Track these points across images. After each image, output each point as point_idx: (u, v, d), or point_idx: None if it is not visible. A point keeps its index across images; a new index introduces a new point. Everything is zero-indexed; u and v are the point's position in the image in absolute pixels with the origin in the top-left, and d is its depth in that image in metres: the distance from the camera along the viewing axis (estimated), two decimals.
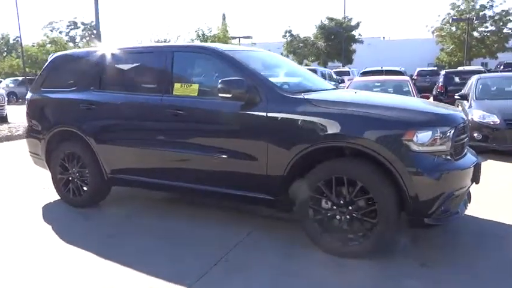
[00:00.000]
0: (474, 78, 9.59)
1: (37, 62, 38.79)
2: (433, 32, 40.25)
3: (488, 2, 36.45)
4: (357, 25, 36.37)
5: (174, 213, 4.87)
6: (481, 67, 24.86)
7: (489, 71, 24.18)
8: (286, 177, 3.75)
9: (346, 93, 4.91)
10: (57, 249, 3.96)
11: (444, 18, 38.93)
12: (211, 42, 33.96)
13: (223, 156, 4.03)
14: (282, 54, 38.90)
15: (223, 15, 49.69)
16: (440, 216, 3.39)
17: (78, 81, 5.13)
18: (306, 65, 37.64)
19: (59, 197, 5.41)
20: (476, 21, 34.45)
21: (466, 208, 3.83)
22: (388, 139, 3.35)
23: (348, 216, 3.54)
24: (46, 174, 6.36)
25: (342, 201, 3.55)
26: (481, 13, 35.81)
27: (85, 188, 5.09)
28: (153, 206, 5.20)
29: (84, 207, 5.10)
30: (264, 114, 3.81)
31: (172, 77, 4.46)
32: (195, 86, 4.33)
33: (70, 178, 5.19)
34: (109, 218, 4.81)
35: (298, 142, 3.64)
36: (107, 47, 5.08)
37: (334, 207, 3.59)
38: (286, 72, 5.00)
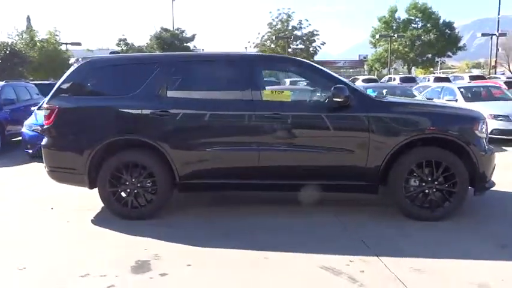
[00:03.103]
0: None
1: None
2: (255, 47, 44.83)
3: (298, 24, 42.81)
4: (193, 37, 37.98)
5: (268, 211, 5.14)
6: None
7: None
8: (382, 165, 4.70)
9: (409, 98, 6.11)
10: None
11: (263, 36, 43.85)
12: (40, 47, 30.51)
13: (328, 152, 4.71)
14: None
15: (28, 17, 44.93)
16: (490, 183, 4.88)
17: (135, 88, 4.91)
18: None
19: (68, 217, 5.09)
20: (291, 39, 40.17)
21: None
22: (465, 130, 4.69)
23: (434, 190, 4.72)
24: (48, 192, 5.82)
25: (430, 178, 4.70)
26: (293, 33, 41.86)
27: (151, 198, 4.90)
28: (230, 207, 5.32)
29: (143, 219, 4.90)
30: (365, 114, 4.68)
31: (261, 83, 4.87)
32: (288, 92, 4.86)
33: (128, 190, 4.90)
34: (197, 226, 4.82)
35: (397, 136, 4.64)
36: (173, 53, 5.04)
37: (423, 184, 4.72)
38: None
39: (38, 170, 6.98)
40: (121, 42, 35.92)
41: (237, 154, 4.82)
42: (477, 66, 66.14)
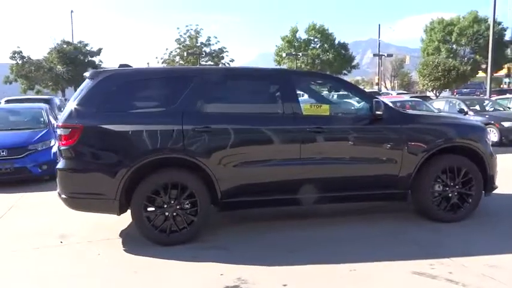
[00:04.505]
0: None
1: None
2: (163, 63, 43.88)
3: (206, 41, 42.99)
4: (99, 51, 35.79)
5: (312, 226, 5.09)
6: None
7: None
8: (414, 173, 5.04)
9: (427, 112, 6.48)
10: None
11: (171, 52, 43.18)
12: None
13: (368, 163, 4.93)
14: (9, 78, 33.74)
15: None
16: (495, 184, 5.49)
17: (171, 103, 4.61)
18: (39, 91, 34.09)
19: (93, 250, 4.65)
20: (202, 56, 40.16)
21: None
22: (480, 138, 5.26)
23: (455, 193, 5.18)
24: (31, 224, 5.40)
25: (452, 183, 5.15)
26: (202, 49, 41.94)
27: (192, 220, 4.58)
28: (260, 223, 5.17)
29: (183, 243, 4.58)
30: (398, 126, 4.99)
31: (297, 98, 4.91)
32: (326, 106, 4.97)
33: (166, 213, 4.54)
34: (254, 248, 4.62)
35: (427, 145, 5.02)
36: (210, 67, 4.83)
37: (447, 189, 5.15)
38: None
39: None
40: (16, 55, 32.52)
41: (280, 169, 4.77)
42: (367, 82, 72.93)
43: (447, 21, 48.50)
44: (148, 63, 64.59)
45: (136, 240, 4.67)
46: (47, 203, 6.55)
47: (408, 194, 5.13)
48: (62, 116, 4.65)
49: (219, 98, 4.84)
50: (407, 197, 5.16)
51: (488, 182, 5.31)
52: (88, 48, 36.04)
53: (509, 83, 47.85)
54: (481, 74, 46.39)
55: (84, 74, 4.86)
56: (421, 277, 3.65)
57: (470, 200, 5.19)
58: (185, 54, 39.72)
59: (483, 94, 31.16)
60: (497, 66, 43.38)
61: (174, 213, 4.55)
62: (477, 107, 14.51)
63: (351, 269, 3.85)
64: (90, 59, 35.72)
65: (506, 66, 45.86)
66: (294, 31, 49.96)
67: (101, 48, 36.01)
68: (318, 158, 4.84)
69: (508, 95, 18.13)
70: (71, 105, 4.61)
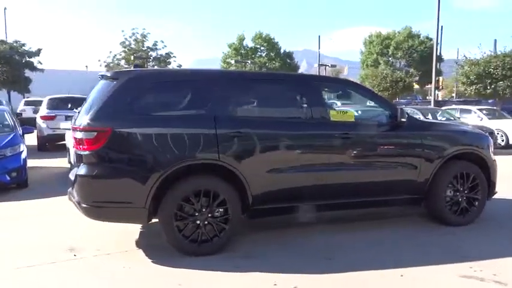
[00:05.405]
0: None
1: None
2: (106, 66, 42.13)
3: (153, 45, 41.98)
4: (38, 51, 33.48)
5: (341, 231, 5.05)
6: None
7: None
8: (430, 178, 5.22)
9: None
10: None
11: (115, 56, 41.63)
12: None
13: (393, 169, 5.04)
14: None
15: None
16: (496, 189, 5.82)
17: (201, 106, 4.42)
18: None
19: (116, 262, 4.36)
20: (150, 60, 39.15)
21: None
22: (486, 145, 5.56)
23: (464, 198, 5.43)
24: (30, 236, 4.98)
25: (462, 188, 5.40)
26: (149, 54, 40.90)
27: (223, 228, 4.38)
28: (282, 230, 5.04)
29: (213, 253, 4.38)
30: (418, 133, 5.16)
31: (326, 104, 4.92)
32: (351, 112, 5.02)
33: (197, 222, 4.31)
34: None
35: (443, 151, 5.22)
36: (240, 70, 4.68)
37: (457, 193, 5.39)
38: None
39: None
40: None
41: (309, 175, 4.72)
42: None
43: (384, 35, 51.35)
44: (87, 66, 61.96)
45: (159, 251, 4.41)
46: (28, 214, 6.00)
47: (423, 199, 5.30)
48: (81, 118, 4.26)
49: (251, 103, 4.74)
50: (422, 202, 5.33)
51: (491, 187, 5.63)
52: (26, 48, 33.69)
53: (437, 94, 51.81)
54: (415, 85, 49.53)
55: (103, 73, 4.51)
56: (470, 280, 3.76)
57: (476, 204, 5.48)
58: (132, 58, 38.42)
59: (419, 104, 33.44)
60: (428, 79, 46.79)
61: (206, 222, 4.34)
62: (430, 117, 15.44)
63: (399, 274, 3.87)
64: (28, 59, 33.40)
65: (436, 79, 49.43)
66: (241, 39, 50.31)
67: (41, 49, 33.81)
68: (345, 164, 4.87)
69: (454, 106, 19.46)
70: (92, 107, 4.25)
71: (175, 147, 4.23)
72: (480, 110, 16.87)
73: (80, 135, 4.18)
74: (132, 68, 4.80)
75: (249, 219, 4.72)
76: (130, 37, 41.37)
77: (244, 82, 4.77)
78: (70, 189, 4.75)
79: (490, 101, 24.83)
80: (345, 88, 5.67)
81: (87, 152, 4.13)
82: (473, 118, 16.35)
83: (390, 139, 5.10)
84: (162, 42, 42.85)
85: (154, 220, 4.42)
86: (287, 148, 4.67)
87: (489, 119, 16.06)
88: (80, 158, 4.25)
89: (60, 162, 10.99)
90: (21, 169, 7.86)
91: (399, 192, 5.17)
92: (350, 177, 4.90)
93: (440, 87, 29.48)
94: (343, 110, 5.21)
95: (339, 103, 9.05)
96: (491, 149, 5.71)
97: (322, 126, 4.78)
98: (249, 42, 50.82)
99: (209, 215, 4.34)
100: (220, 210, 4.39)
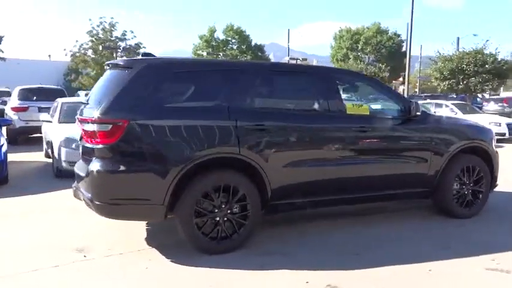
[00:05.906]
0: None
1: None
2: (71, 56, 40.61)
3: (122, 35, 40.72)
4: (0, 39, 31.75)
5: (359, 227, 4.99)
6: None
7: None
8: (440, 171, 5.25)
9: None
10: None
11: (81, 45, 40.16)
12: None
13: (407, 162, 5.04)
14: None
15: None
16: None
17: (221, 98, 4.24)
18: None
19: (134, 263, 4.16)
20: (120, 50, 38.05)
21: None
22: (490, 139, 5.66)
23: (470, 191, 5.51)
24: (51, 236, 4.73)
25: (467, 181, 5.47)
26: (117, 44, 39.69)
27: (242, 224, 4.24)
28: (300, 225, 4.93)
29: (232, 251, 4.23)
30: (430, 126, 5.18)
31: (341, 96, 4.84)
32: (366, 106, 4.96)
33: (217, 218, 4.14)
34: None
35: (452, 144, 5.26)
36: (259, 61, 4.52)
37: (463, 186, 5.46)
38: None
39: None
40: None
41: (328, 169, 4.64)
42: None
43: (354, 31, 52.07)
44: (49, 56, 59.59)
45: (174, 249, 4.23)
46: (18, 213, 5.63)
47: (432, 192, 5.33)
48: (92, 110, 3.98)
49: (271, 95, 4.59)
50: (429, 194, 5.36)
51: (493, 180, 5.75)
52: None
53: (403, 90, 53.29)
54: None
55: (112, 62, 4.23)
56: (496, 272, 3.79)
57: (480, 197, 5.57)
58: (100, 48, 37.16)
59: None
60: (396, 74, 47.88)
61: (225, 218, 4.17)
62: None
63: (426, 269, 3.85)
64: None
65: (402, 74, 50.69)
66: (212, 31, 49.69)
67: (2, 37, 32.07)
68: (361, 158, 4.83)
69: (428, 100, 19.97)
70: (104, 98, 3.98)
71: (195, 140, 4.02)
72: (454, 104, 17.37)
73: (92, 127, 3.90)
74: (140, 57, 4.51)
75: (266, 215, 4.58)
76: (98, 26, 40.02)
77: (266, 73, 4.62)
78: (76, 184, 4.47)
79: (454, 96, 25.76)
80: (361, 81, 5.61)
81: (100, 146, 3.86)
82: (447, 112, 16.80)
83: (404, 132, 5.09)
84: (132, 32, 41.74)
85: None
86: (307, 141, 4.57)
87: (463, 113, 16.55)
88: (91, 152, 3.98)
89: (37, 156, 10.48)
90: (1, 164, 7.38)
91: (411, 185, 5.18)
92: (366, 171, 4.86)
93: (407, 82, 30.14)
94: (358, 104, 5.15)
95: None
96: (494, 142, 5.83)
97: (340, 119, 4.70)
98: (220, 35, 50.29)
99: (228, 211, 4.18)
100: (239, 206, 4.24)
